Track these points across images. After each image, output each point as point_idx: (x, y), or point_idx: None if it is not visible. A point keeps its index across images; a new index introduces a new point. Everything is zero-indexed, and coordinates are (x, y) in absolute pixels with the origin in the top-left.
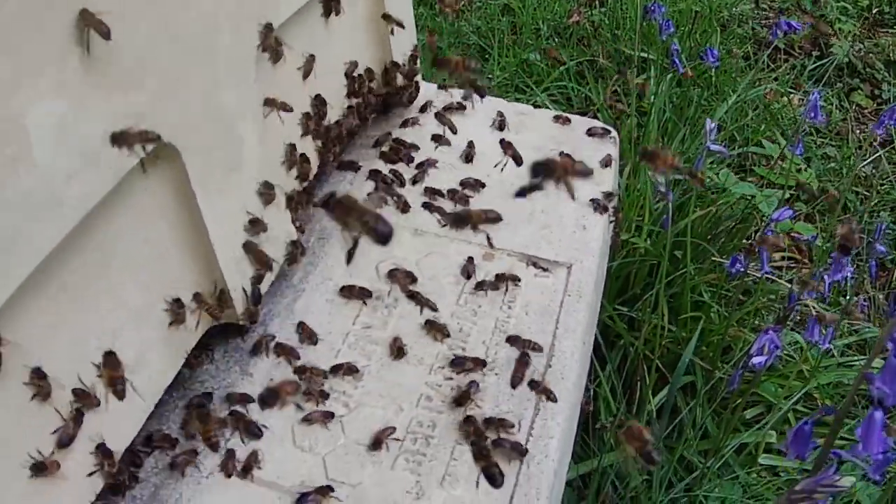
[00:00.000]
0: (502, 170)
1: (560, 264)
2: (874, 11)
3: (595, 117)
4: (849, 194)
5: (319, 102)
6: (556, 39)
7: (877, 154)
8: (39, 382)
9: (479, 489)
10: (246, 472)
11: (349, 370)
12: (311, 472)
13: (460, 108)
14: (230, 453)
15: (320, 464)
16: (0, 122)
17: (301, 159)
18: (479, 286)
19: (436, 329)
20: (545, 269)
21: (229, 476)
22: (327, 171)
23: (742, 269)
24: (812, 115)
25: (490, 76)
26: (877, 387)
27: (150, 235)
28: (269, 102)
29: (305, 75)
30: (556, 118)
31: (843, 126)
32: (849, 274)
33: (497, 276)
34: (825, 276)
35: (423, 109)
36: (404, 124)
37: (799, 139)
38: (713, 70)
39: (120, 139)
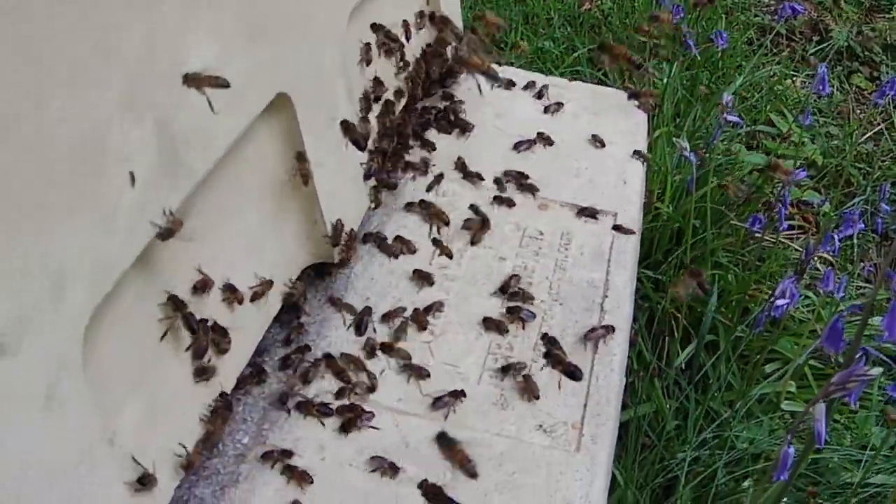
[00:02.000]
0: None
1: (607, 213)
2: None
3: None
4: (851, 169)
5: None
6: (569, 28)
7: (878, 128)
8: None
9: (561, 394)
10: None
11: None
12: (407, 393)
13: (509, 85)
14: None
15: (415, 384)
16: (168, 64)
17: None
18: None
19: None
20: (594, 216)
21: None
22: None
23: (762, 226)
24: (820, 87)
25: (510, 62)
26: None
27: (270, 171)
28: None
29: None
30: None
31: (845, 106)
32: (859, 229)
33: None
34: (835, 235)
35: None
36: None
37: (807, 111)
38: (720, 54)
39: (192, 80)
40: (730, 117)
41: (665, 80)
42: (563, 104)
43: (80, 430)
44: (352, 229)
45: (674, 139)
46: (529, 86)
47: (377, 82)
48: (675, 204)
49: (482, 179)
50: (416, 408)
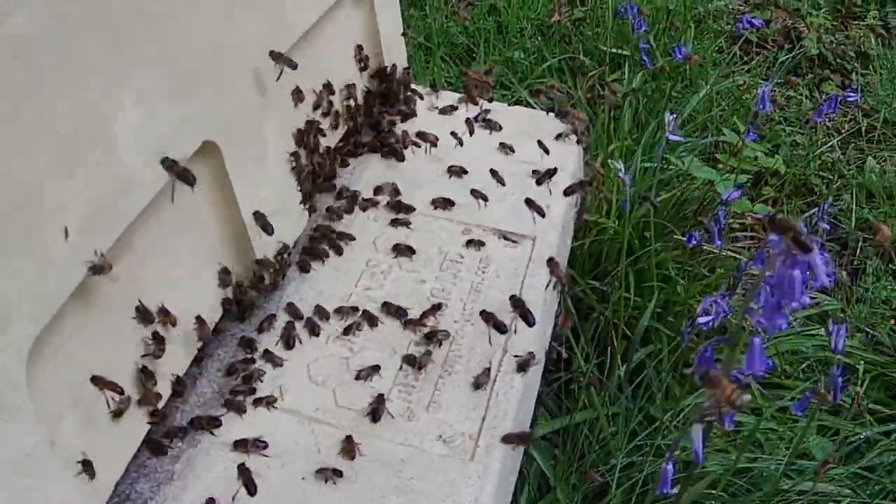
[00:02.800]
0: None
1: (526, 237)
2: (846, 3)
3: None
4: (815, 178)
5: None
6: (540, 38)
7: (837, 139)
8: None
9: (464, 408)
10: (270, 403)
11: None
12: (323, 401)
13: (453, 109)
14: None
15: (331, 395)
16: (98, 127)
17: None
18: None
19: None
20: (514, 241)
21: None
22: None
23: (698, 242)
24: (761, 105)
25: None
26: (757, 321)
27: (199, 212)
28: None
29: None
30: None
31: (813, 115)
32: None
33: (468, 241)
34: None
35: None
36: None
37: (750, 127)
38: (687, 64)
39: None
40: (672, 137)
41: (623, 94)
42: (499, 126)
43: (24, 435)
44: (282, 256)
45: (609, 160)
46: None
47: (308, 123)
48: (627, 216)
49: (411, 210)
50: (329, 417)
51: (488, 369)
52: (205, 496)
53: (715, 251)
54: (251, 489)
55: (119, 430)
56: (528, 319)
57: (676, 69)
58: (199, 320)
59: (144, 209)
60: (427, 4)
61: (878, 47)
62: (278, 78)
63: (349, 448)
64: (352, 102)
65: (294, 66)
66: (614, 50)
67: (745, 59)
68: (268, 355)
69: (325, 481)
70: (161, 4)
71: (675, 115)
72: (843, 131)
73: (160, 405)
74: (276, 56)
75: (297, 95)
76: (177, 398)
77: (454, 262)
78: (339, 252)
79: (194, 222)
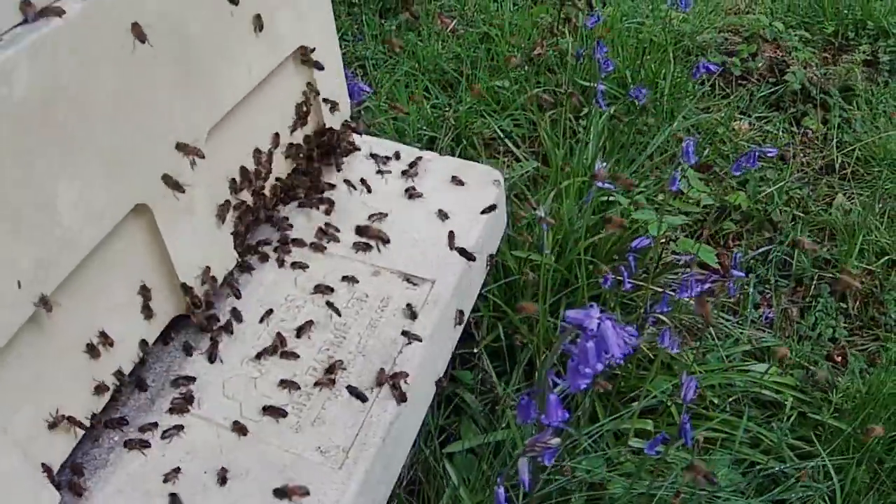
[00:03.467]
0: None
1: (426, 280)
2: (839, 37)
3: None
4: (776, 214)
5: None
6: (527, 68)
7: (809, 173)
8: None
9: (343, 427)
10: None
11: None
12: (229, 414)
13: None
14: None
15: (238, 407)
16: (43, 201)
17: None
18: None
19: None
20: (414, 283)
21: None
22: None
23: (609, 285)
24: (686, 157)
25: (459, 103)
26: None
27: (139, 258)
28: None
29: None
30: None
31: (787, 150)
32: (703, 289)
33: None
34: (686, 292)
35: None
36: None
37: (674, 176)
38: (665, 97)
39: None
40: (600, 185)
41: (588, 129)
42: (424, 169)
43: None
44: (208, 292)
45: (533, 209)
46: (399, 158)
47: (242, 173)
48: (568, 252)
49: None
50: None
51: (366, 395)
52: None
53: (644, 286)
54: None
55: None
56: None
57: (654, 102)
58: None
59: (83, 259)
60: (424, 29)
61: (863, 82)
62: (192, 166)
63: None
64: (286, 155)
65: (202, 156)
66: (589, 83)
67: (726, 91)
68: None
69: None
70: (93, 106)
71: (604, 164)
72: (815, 167)
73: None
74: (181, 147)
75: (228, 159)
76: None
77: (359, 301)
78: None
79: (130, 270)
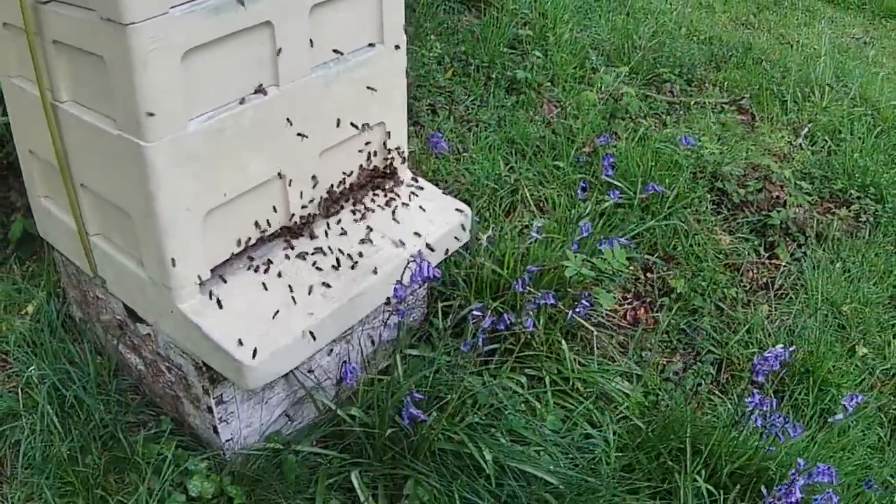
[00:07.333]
0: None
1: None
2: (845, 194)
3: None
4: (700, 300)
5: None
6: (575, 163)
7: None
8: None
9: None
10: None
11: None
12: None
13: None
14: None
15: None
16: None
17: None
18: None
19: None
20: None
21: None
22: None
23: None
24: (585, 231)
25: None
26: None
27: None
28: None
29: None
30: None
31: (744, 264)
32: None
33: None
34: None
35: None
36: None
37: (574, 244)
38: (666, 200)
39: None
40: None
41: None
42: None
43: None
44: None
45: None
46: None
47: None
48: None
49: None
50: None
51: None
52: None
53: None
54: None
55: None
56: None
57: (654, 203)
58: None
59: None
60: (532, 109)
61: (839, 232)
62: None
63: None
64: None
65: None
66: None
67: (720, 211)
68: None
69: None
70: (264, 135)
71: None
72: (760, 282)
73: None
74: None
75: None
76: None
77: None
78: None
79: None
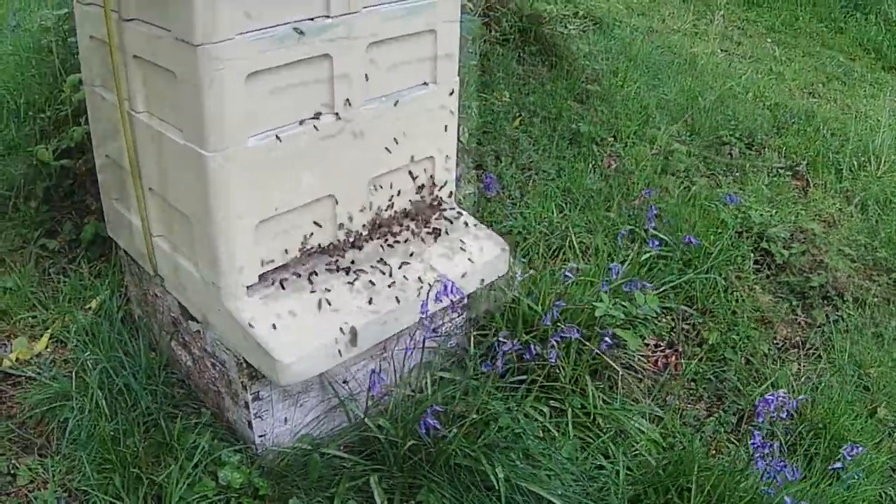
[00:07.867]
0: None
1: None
2: (888, 262)
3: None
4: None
5: None
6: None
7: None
8: None
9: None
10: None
11: None
12: None
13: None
14: None
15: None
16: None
17: None
18: None
19: None
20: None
21: None
22: None
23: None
24: (615, 273)
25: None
26: None
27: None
28: None
29: None
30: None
31: (784, 327)
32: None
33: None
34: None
35: None
36: None
37: (603, 284)
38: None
39: None
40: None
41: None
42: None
43: None
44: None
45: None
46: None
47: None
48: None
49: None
50: None
51: None
52: None
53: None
54: None
55: None
56: None
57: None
58: None
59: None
60: (592, 161)
61: (877, 298)
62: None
63: None
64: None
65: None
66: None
67: (761, 270)
68: None
69: None
70: (321, 160)
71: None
72: (792, 341)
73: None
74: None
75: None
76: None
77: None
78: None
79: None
